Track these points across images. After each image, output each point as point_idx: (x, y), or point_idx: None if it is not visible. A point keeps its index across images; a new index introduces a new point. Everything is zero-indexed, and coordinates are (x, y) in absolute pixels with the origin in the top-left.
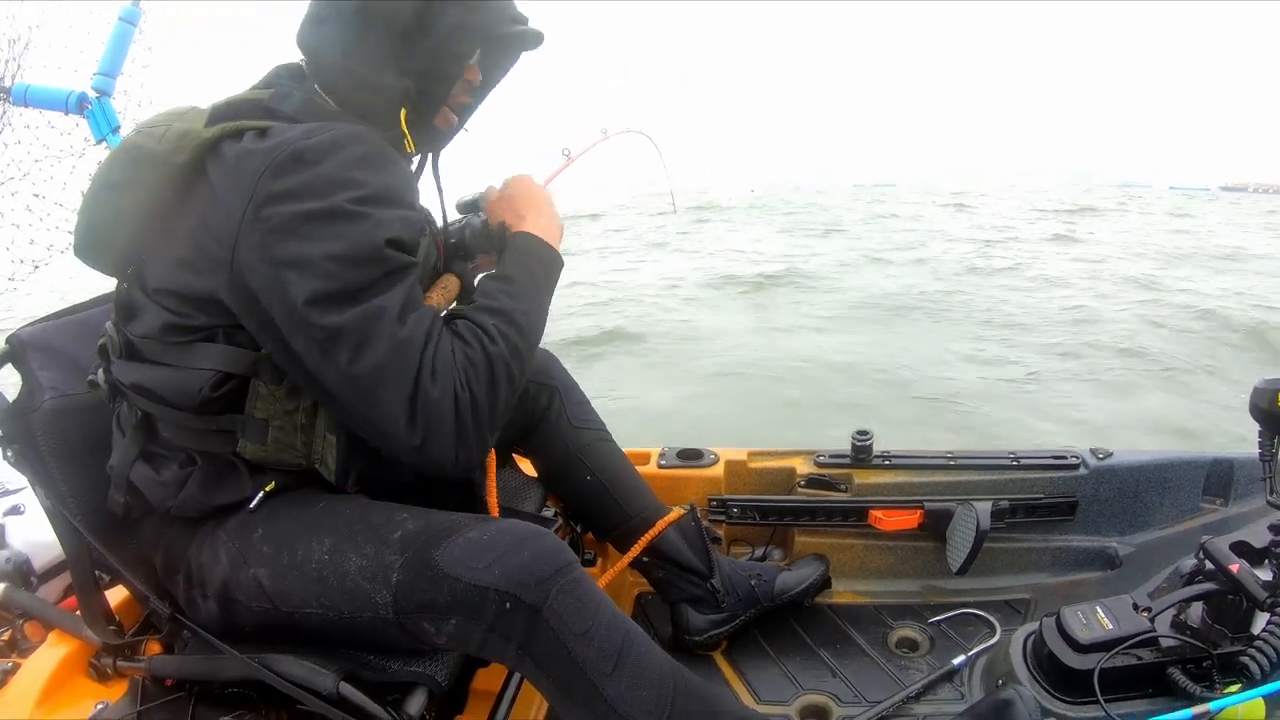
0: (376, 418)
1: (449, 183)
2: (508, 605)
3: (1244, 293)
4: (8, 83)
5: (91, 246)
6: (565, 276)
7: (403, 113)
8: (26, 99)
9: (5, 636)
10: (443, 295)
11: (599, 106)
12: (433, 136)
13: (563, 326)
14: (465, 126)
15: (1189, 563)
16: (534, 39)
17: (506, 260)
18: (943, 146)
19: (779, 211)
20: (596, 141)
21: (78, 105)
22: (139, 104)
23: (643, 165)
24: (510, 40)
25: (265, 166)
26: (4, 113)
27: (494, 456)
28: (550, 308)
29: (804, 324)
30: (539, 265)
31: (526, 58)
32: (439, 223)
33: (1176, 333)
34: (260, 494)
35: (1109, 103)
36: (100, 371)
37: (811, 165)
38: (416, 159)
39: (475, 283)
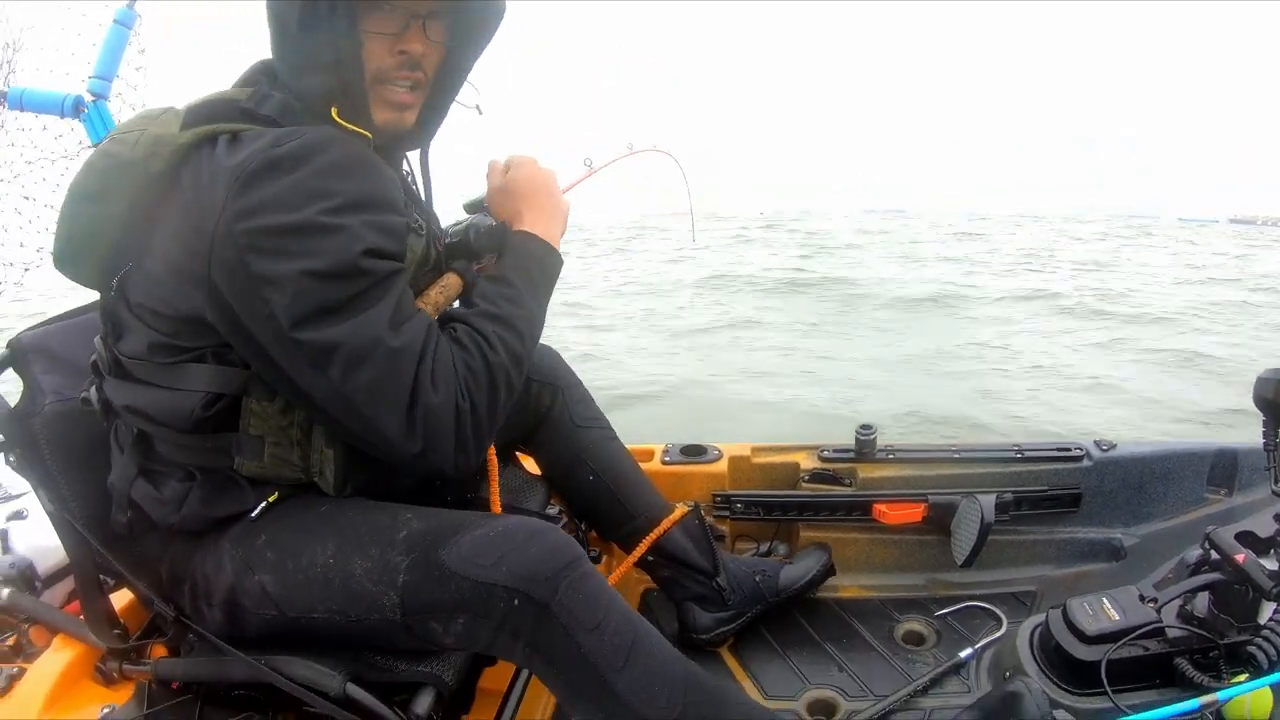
0: (374, 430)
1: (451, 179)
2: (516, 602)
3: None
4: (3, 86)
5: (71, 258)
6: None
7: (333, 110)
8: (22, 103)
9: (10, 641)
10: (443, 294)
11: (590, 107)
12: (386, 129)
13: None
14: (477, 107)
15: (1194, 553)
16: None
17: (505, 262)
18: (949, 175)
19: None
20: (620, 156)
21: (74, 109)
22: (133, 106)
23: (660, 179)
24: None
25: (238, 178)
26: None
27: (495, 456)
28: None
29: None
30: (537, 267)
31: (523, 57)
32: (437, 219)
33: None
34: (262, 504)
35: (1118, 133)
36: (93, 389)
37: (820, 189)
38: (415, 154)
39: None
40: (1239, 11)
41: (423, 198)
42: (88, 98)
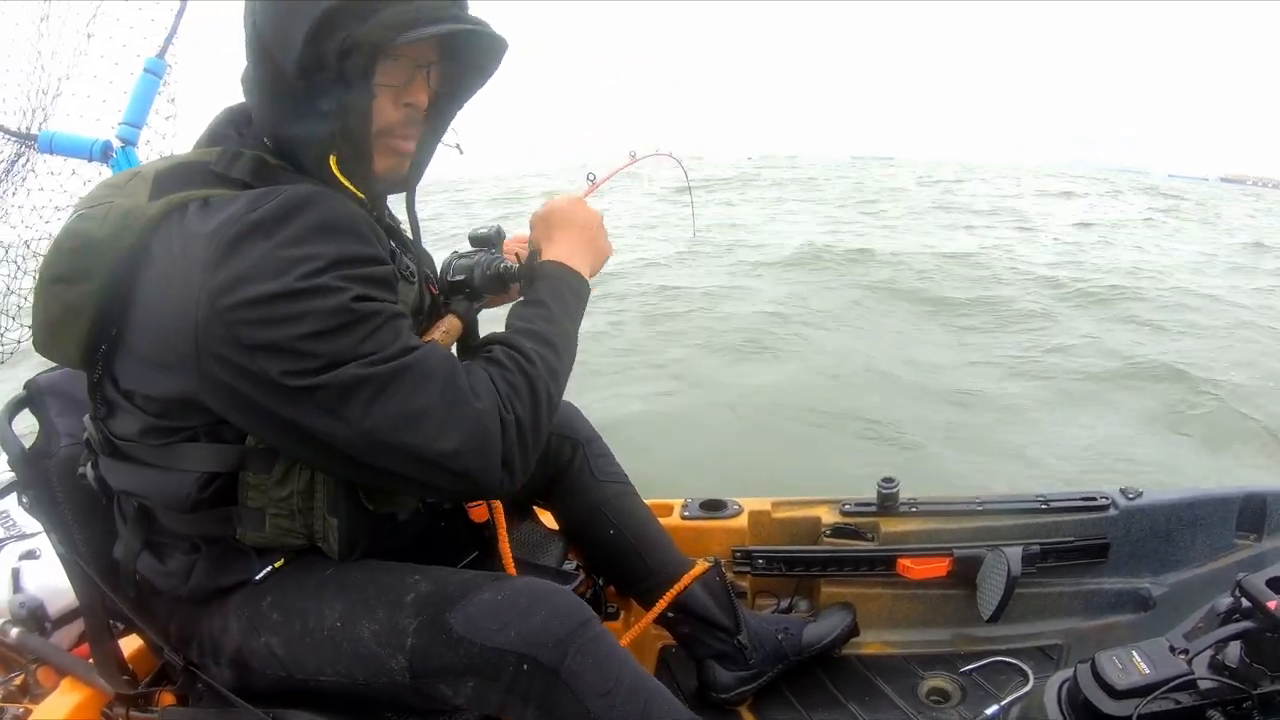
0: (411, 457)
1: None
2: (525, 667)
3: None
4: (35, 130)
5: (50, 344)
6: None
7: (331, 160)
8: (53, 147)
9: (18, 681)
10: (444, 337)
11: (590, 106)
12: (386, 178)
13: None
14: (457, 147)
15: (1225, 601)
16: (469, 35)
17: (539, 285)
18: (941, 123)
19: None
20: (623, 166)
21: (102, 154)
22: (161, 154)
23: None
24: (425, 44)
25: (212, 251)
26: (29, 160)
27: (501, 511)
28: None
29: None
30: (569, 290)
31: (522, 57)
32: (430, 260)
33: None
34: (267, 569)
35: (1108, 89)
36: (89, 466)
37: (810, 135)
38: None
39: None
40: None
41: (410, 237)
42: (116, 143)
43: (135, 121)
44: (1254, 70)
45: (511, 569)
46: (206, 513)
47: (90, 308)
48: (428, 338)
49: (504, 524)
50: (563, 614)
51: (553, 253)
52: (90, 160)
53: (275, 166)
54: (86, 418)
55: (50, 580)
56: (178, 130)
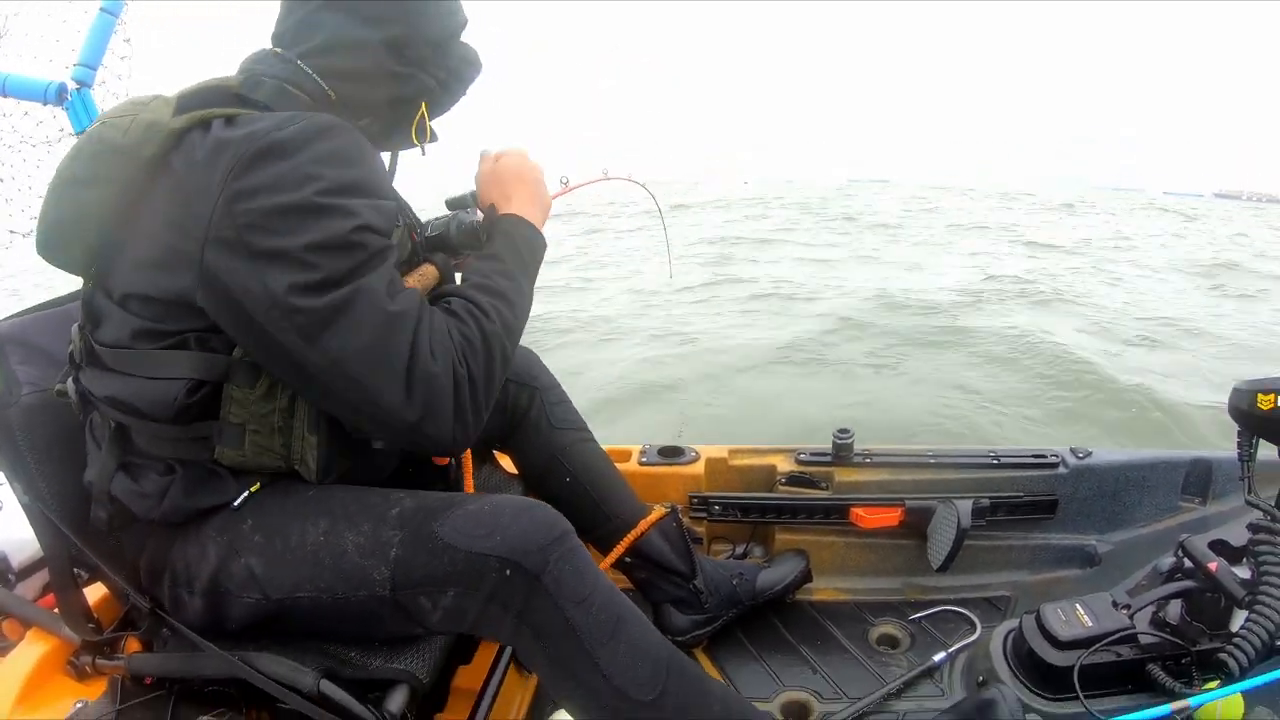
0: (371, 398)
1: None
2: (508, 572)
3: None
4: None
5: (55, 244)
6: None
7: (424, 105)
8: (4, 89)
9: None
10: (420, 282)
11: (590, 107)
12: (408, 137)
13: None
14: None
15: (1168, 561)
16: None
17: (495, 240)
18: (937, 144)
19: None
20: (595, 180)
21: (57, 96)
22: (116, 95)
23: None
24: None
25: (235, 161)
26: None
27: (469, 452)
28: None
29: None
30: (525, 246)
31: (523, 58)
32: (412, 211)
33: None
34: (245, 494)
35: (1103, 107)
36: (69, 381)
37: (805, 159)
38: (387, 158)
39: (459, 274)
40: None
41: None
42: (71, 85)
43: (91, 62)
44: (1248, 85)
45: None
46: (186, 427)
47: (102, 211)
48: (406, 280)
49: (470, 459)
50: (546, 523)
51: (508, 207)
52: (45, 103)
53: (294, 95)
54: (74, 328)
55: (13, 532)
56: (133, 71)
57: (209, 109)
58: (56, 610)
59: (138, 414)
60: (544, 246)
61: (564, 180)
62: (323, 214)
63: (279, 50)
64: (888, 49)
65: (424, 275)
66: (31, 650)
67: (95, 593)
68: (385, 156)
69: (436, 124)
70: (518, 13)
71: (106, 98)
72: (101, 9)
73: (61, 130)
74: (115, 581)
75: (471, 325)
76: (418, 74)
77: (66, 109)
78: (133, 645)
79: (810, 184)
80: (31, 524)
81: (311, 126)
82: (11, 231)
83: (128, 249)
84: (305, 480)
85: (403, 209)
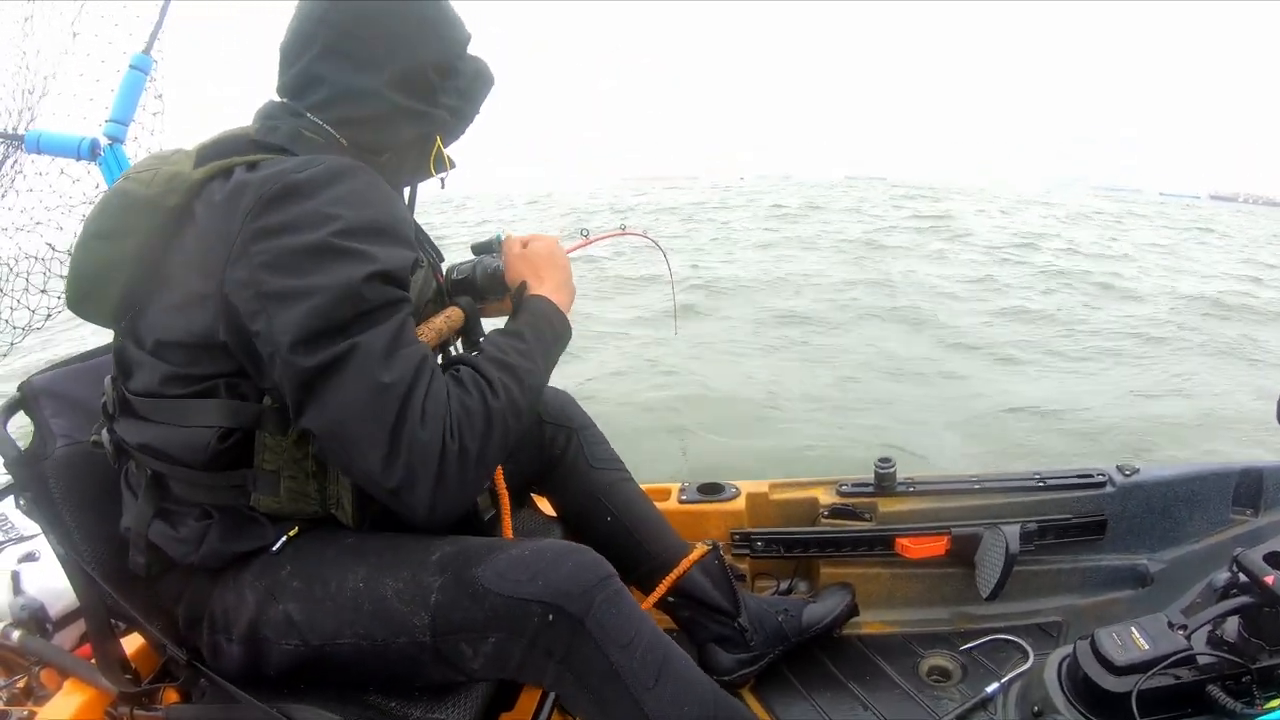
0: (354, 461)
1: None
2: (550, 618)
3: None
4: (21, 130)
5: (85, 298)
6: None
7: (438, 139)
8: (39, 146)
9: (21, 684)
10: (446, 323)
11: (591, 107)
12: (426, 170)
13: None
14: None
15: (1222, 576)
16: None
17: (520, 318)
18: (933, 142)
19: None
20: (614, 234)
21: (90, 152)
22: (148, 150)
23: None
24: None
25: (256, 200)
26: (17, 160)
27: (504, 486)
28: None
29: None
30: (550, 330)
31: (523, 58)
32: (439, 252)
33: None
34: (283, 539)
35: (1100, 108)
36: (104, 431)
37: (803, 156)
38: (406, 192)
39: (483, 330)
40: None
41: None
42: (104, 141)
43: (122, 119)
44: (1245, 86)
45: None
46: (221, 474)
47: (128, 264)
48: (430, 323)
49: (506, 500)
50: (588, 566)
51: (540, 289)
52: (78, 159)
53: (310, 138)
54: (107, 380)
55: (50, 582)
56: (165, 126)
57: (229, 158)
58: (93, 660)
59: (171, 460)
60: (569, 331)
61: (584, 232)
62: (339, 256)
63: (287, 101)
64: (886, 48)
65: (450, 318)
66: (69, 700)
67: (132, 643)
68: (405, 191)
69: (453, 150)
70: (518, 13)
71: (139, 153)
72: (131, 66)
73: (97, 187)
74: (152, 632)
75: (475, 397)
76: (429, 110)
77: (99, 164)
78: (170, 696)
79: (808, 182)
80: (67, 575)
81: (332, 168)
82: (60, 297)
83: (156, 298)
84: (343, 526)
85: (425, 248)
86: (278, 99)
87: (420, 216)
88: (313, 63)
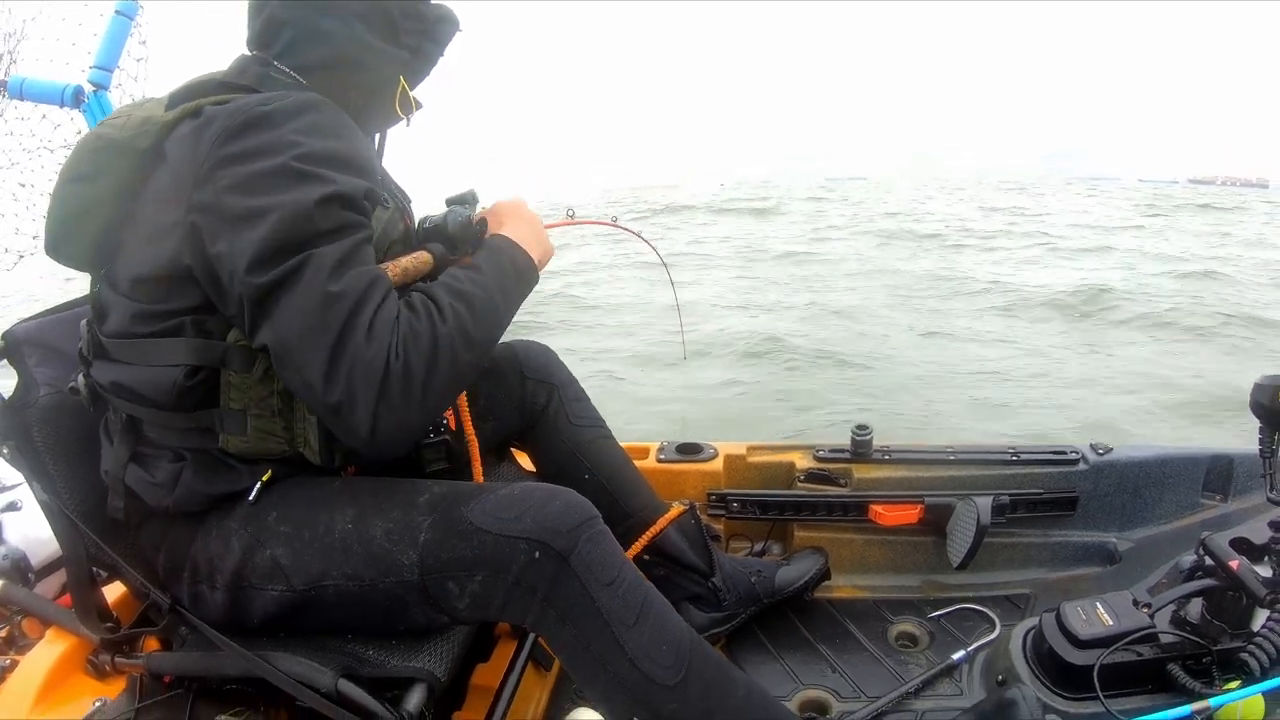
0: (300, 374)
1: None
2: (537, 554)
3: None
4: (3, 75)
5: (62, 242)
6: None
7: (401, 79)
8: (22, 92)
9: (3, 633)
10: (413, 263)
11: (571, 110)
12: (392, 112)
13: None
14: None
15: (1189, 559)
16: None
17: (479, 255)
18: (914, 137)
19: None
20: (603, 221)
21: (74, 99)
22: (133, 97)
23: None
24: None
25: (223, 129)
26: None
27: (472, 433)
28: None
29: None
30: (510, 264)
31: (524, 58)
32: (408, 197)
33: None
34: (257, 485)
35: (1076, 95)
36: (80, 377)
37: (781, 159)
38: (377, 139)
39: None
40: None
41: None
42: (88, 88)
43: (107, 65)
44: (1223, 70)
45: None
46: (190, 415)
47: (104, 205)
48: (397, 262)
49: (476, 451)
50: (574, 506)
51: (503, 232)
52: (62, 105)
53: (277, 80)
54: (82, 324)
55: (32, 531)
56: (149, 73)
57: (199, 99)
58: (74, 609)
59: (141, 401)
60: (533, 273)
61: (570, 212)
62: (299, 179)
63: (256, 54)
64: (864, 46)
65: (418, 259)
66: (51, 649)
67: (114, 591)
68: (376, 139)
69: (419, 91)
70: (520, 13)
71: (123, 99)
72: (116, 11)
73: (79, 133)
74: (134, 578)
75: (423, 319)
76: (389, 49)
77: (83, 111)
78: (151, 644)
79: (788, 186)
80: (50, 522)
81: (297, 100)
82: (35, 237)
83: (129, 236)
84: (326, 471)
85: (394, 192)
86: (249, 52)
87: (397, 174)
88: (276, 8)
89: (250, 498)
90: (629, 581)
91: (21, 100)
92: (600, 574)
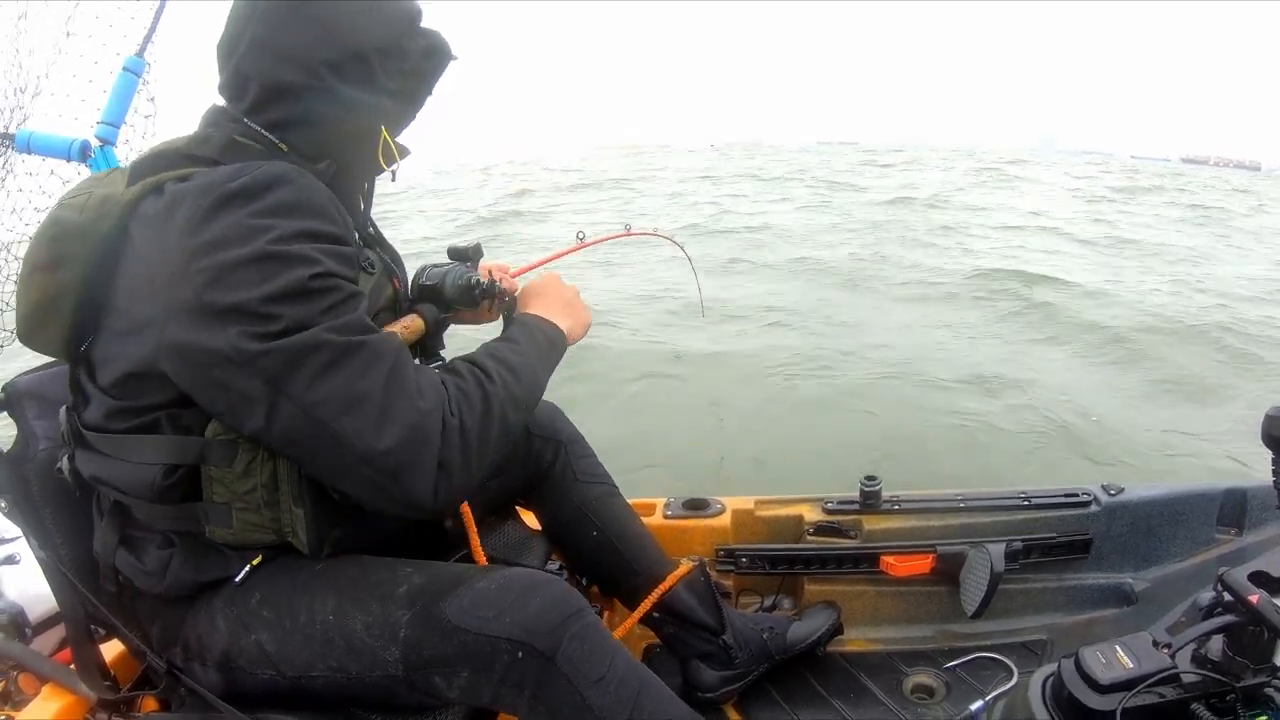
0: (344, 447)
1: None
2: (520, 655)
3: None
4: (13, 130)
5: (33, 332)
6: None
7: (383, 130)
8: (30, 146)
9: None
10: (404, 332)
11: (590, 107)
12: (377, 161)
13: None
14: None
15: (1207, 595)
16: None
17: (512, 329)
18: (906, 107)
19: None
20: (616, 235)
21: (80, 153)
22: (140, 153)
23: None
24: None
25: (187, 219)
26: (7, 160)
27: (468, 509)
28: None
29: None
30: (544, 337)
31: (523, 58)
32: (399, 257)
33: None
34: (246, 568)
35: (1070, 71)
36: (65, 460)
37: (773, 121)
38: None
39: (444, 343)
40: None
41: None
42: (95, 143)
43: (114, 120)
44: (1216, 51)
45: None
46: (174, 508)
47: (71, 294)
48: (388, 330)
49: (471, 519)
50: (557, 601)
51: (532, 309)
52: (69, 160)
53: (243, 145)
54: (62, 410)
55: (29, 586)
56: (157, 130)
57: (160, 174)
58: (73, 666)
59: (125, 493)
60: (564, 342)
61: (580, 236)
62: (279, 262)
63: (226, 106)
64: (858, 15)
65: (408, 327)
66: (48, 706)
67: (112, 649)
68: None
69: (405, 136)
70: (519, 12)
71: (130, 155)
72: (124, 68)
73: None
74: (132, 639)
75: (470, 382)
76: (365, 98)
77: (90, 166)
78: (149, 704)
79: (778, 149)
80: (48, 579)
81: (262, 177)
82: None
83: (104, 327)
84: (300, 551)
85: (382, 254)
86: (220, 103)
87: (382, 204)
88: (241, 61)
89: (236, 580)
90: (620, 675)
91: (29, 154)
92: (588, 671)
